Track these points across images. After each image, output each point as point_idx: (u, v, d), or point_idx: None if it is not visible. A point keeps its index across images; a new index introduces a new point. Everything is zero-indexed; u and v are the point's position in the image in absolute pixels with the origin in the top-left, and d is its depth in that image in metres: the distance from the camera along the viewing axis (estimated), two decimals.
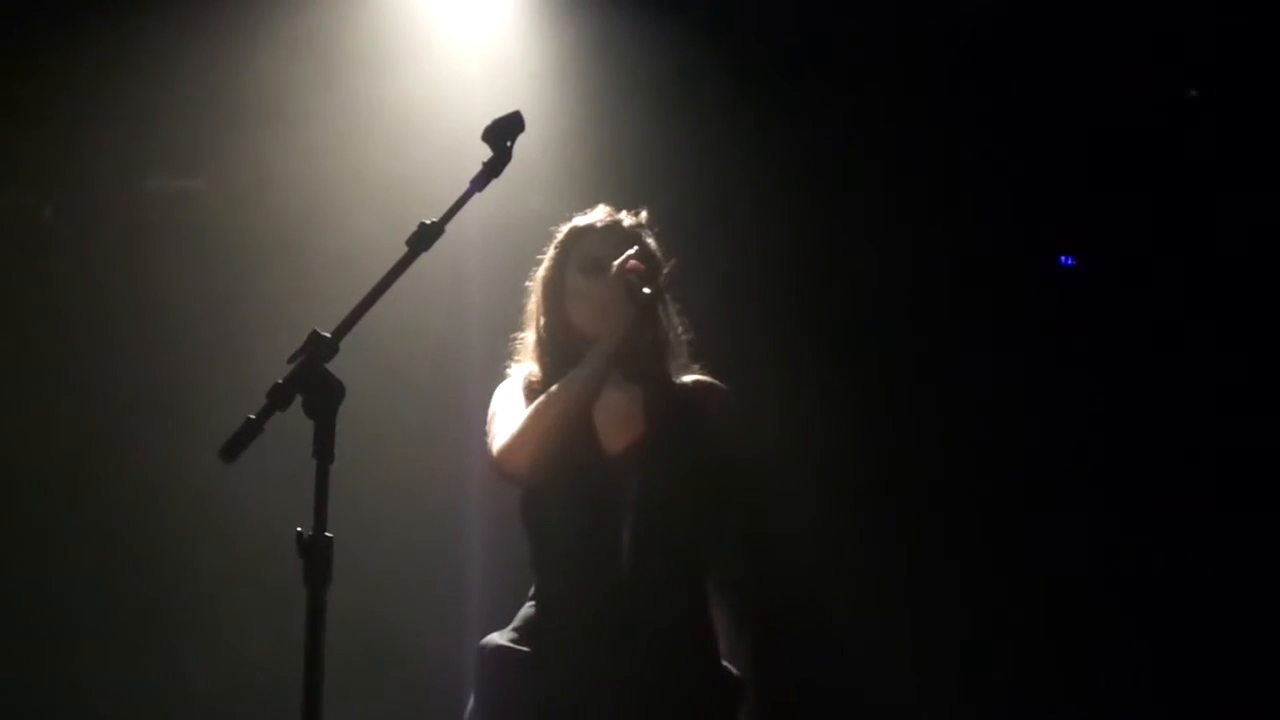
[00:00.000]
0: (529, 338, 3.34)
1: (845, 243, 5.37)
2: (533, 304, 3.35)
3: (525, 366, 3.33)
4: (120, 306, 5.27)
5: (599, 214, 3.34)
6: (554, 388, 3.11)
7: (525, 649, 3.12)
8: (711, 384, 3.29)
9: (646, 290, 3.09)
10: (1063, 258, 5.60)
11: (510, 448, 3.11)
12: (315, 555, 2.43)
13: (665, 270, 3.27)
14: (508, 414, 3.19)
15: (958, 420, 5.33)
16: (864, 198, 5.37)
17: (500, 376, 3.40)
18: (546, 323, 3.30)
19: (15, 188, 5.42)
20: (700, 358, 3.33)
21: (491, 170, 2.80)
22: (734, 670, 3.17)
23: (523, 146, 2.83)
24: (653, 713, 3.02)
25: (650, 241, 3.30)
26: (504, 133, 2.81)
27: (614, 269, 3.13)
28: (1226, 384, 5.29)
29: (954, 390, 5.33)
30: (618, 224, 3.31)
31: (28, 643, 5.20)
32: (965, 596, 5.22)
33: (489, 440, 3.20)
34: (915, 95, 5.31)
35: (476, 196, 2.79)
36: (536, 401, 3.12)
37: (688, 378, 3.28)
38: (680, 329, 3.31)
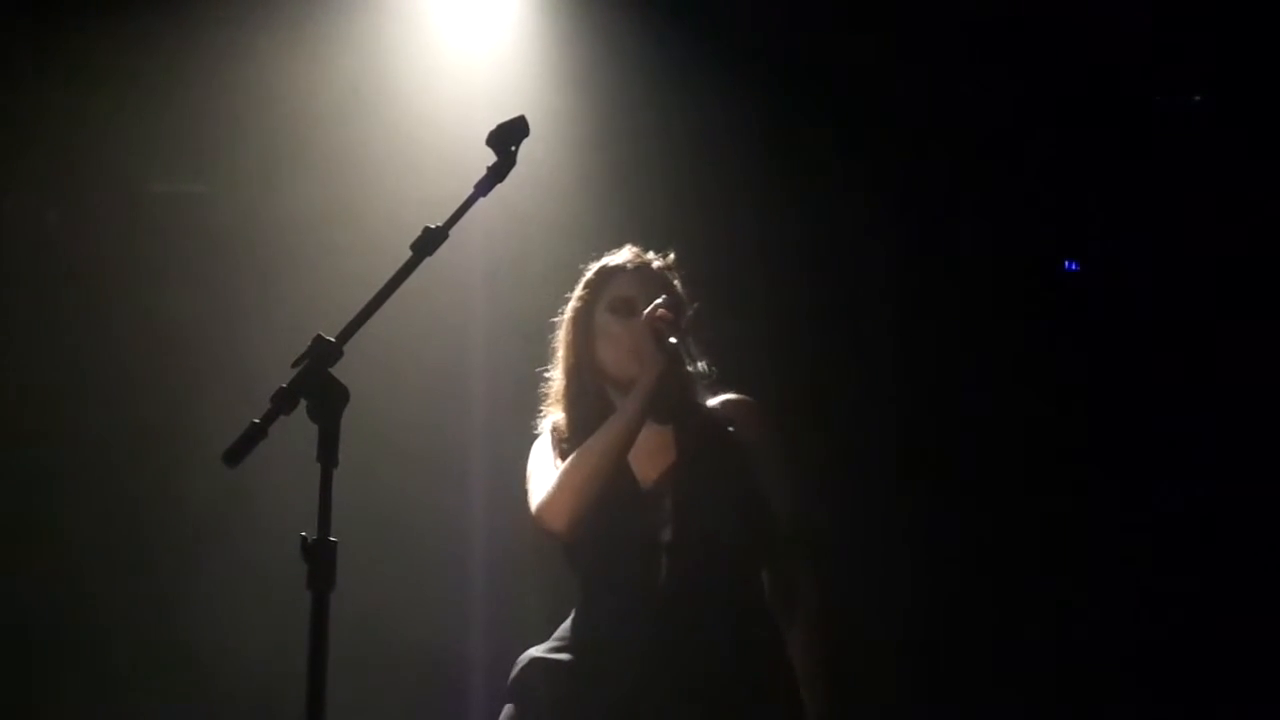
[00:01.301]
0: (556, 379, 3.36)
1: (846, 247, 5.37)
2: (561, 343, 3.36)
3: (552, 420, 3.34)
4: (123, 311, 5.27)
5: (627, 254, 3.36)
6: (587, 442, 3.14)
7: (565, 657, 3.14)
8: (739, 400, 3.32)
9: (673, 340, 3.12)
10: (1067, 263, 5.60)
11: (547, 505, 3.14)
12: (319, 559, 2.43)
13: (689, 312, 3.30)
14: (543, 471, 3.21)
15: (961, 425, 5.34)
16: (866, 202, 5.37)
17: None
18: (575, 362, 3.32)
19: (18, 192, 5.42)
20: (723, 385, 3.35)
21: (496, 175, 2.80)
22: (795, 679, 3.15)
23: (528, 151, 2.83)
24: None
25: (676, 284, 3.34)
26: (508, 137, 2.81)
27: (644, 317, 3.16)
28: (1228, 386, 5.29)
29: (956, 394, 5.33)
30: (646, 265, 3.33)
31: (33, 645, 5.20)
32: (966, 594, 5.23)
33: (529, 498, 3.22)
34: (917, 99, 5.31)
35: (481, 201, 2.79)
36: (571, 457, 3.14)
37: (715, 400, 3.30)
38: (703, 364, 3.31)
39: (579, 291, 3.35)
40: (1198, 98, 5.44)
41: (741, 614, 3.14)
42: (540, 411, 3.38)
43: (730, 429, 3.24)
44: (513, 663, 3.24)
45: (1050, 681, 5.17)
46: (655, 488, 3.18)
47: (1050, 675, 5.18)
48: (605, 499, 3.11)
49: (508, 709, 3.19)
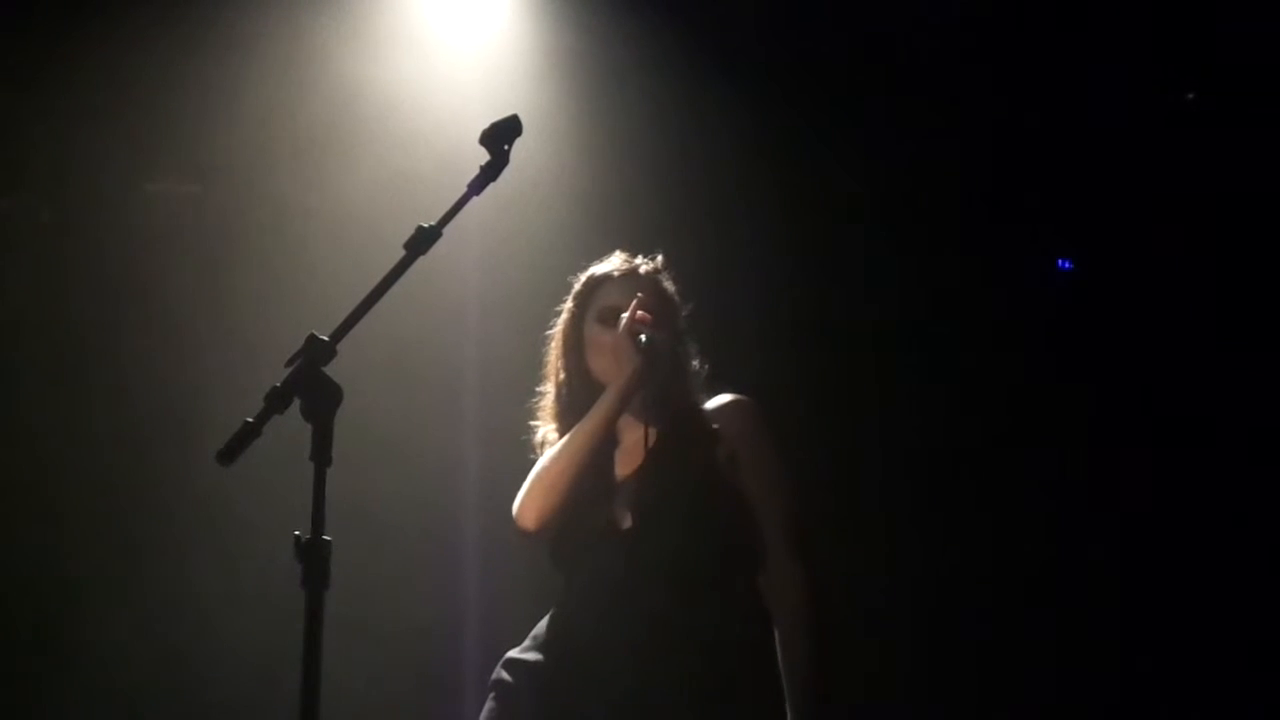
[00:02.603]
0: (548, 393, 3.35)
1: (844, 245, 5.38)
2: (552, 356, 3.35)
3: (544, 432, 3.33)
4: (118, 309, 5.27)
5: (615, 262, 3.34)
6: (561, 441, 3.16)
7: (536, 657, 3.14)
8: (732, 398, 3.28)
9: (643, 337, 3.12)
10: (1060, 261, 5.61)
11: (519, 504, 3.18)
12: (313, 559, 2.42)
13: (684, 312, 3.30)
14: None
15: (958, 423, 5.34)
16: (859, 204, 5.38)
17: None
18: (567, 375, 3.30)
19: (14, 190, 5.41)
20: (720, 383, 3.32)
21: (489, 174, 2.79)
22: (771, 677, 3.12)
23: (521, 150, 2.83)
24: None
25: (668, 286, 3.32)
26: (502, 136, 2.80)
27: (622, 321, 3.15)
28: (1228, 385, 5.29)
29: (954, 393, 5.34)
30: (634, 271, 3.31)
31: (29, 642, 5.20)
32: (966, 594, 5.24)
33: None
34: (914, 98, 5.31)
35: (474, 200, 2.78)
36: (545, 455, 3.18)
37: (713, 399, 3.28)
38: (698, 362, 3.31)
39: (568, 304, 3.34)
40: (1191, 95, 5.45)
41: (705, 607, 3.08)
42: (533, 426, 3.37)
43: (714, 426, 3.21)
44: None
45: (1045, 682, 5.18)
46: (624, 481, 3.18)
47: (1046, 675, 5.19)
48: (579, 494, 3.12)
49: (488, 704, 3.19)
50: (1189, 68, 5.36)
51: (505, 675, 3.17)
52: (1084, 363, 5.37)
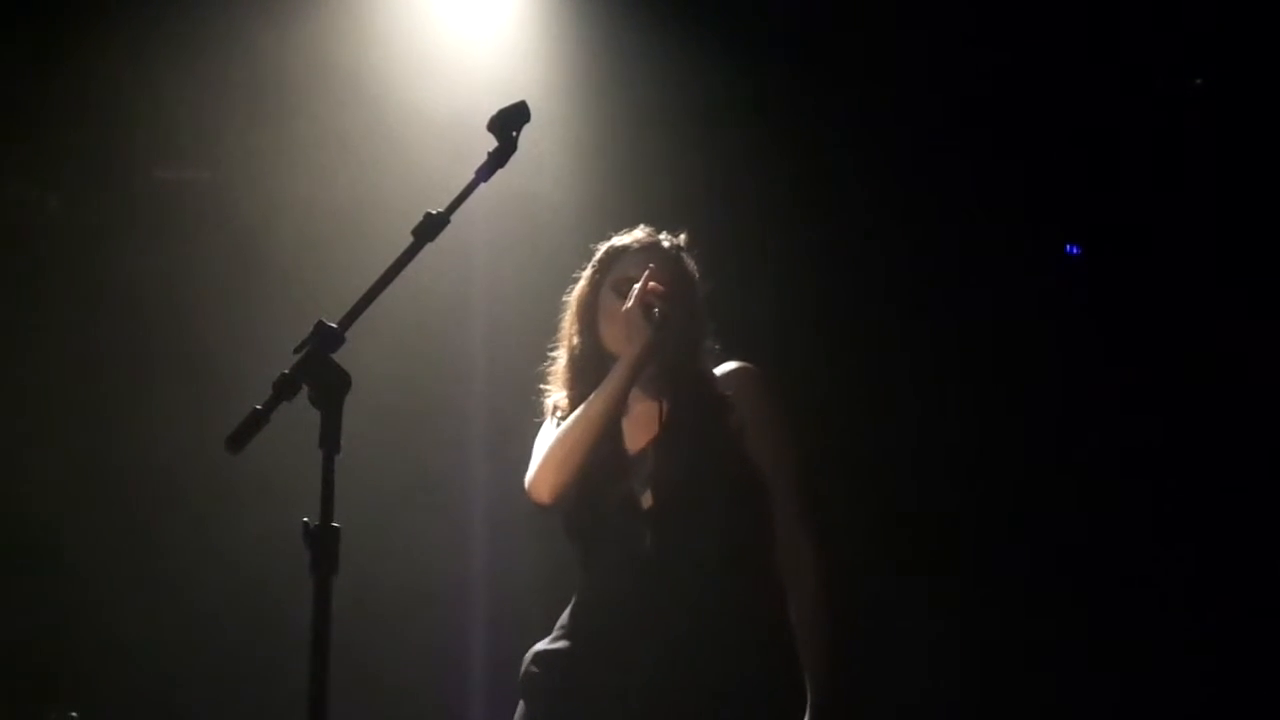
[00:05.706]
0: (560, 358, 3.35)
1: (848, 234, 5.38)
2: (567, 322, 3.35)
3: (554, 400, 3.33)
4: (126, 297, 5.27)
5: (637, 233, 3.34)
6: (573, 415, 3.15)
7: (564, 645, 3.14)
8: (740, 367, 3.28)
9: (657, 310, 3.12)
10: (1068, 246, 5.61)
11: (533, 478, 3.18)
12: (322, 545, 2.43)
13: (703, 292, 3.29)
14: (539, 448, 3.23)
15: (961, 410, 5.34)
16: (869, 188, 5.38)
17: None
18: (580, 342, 3.30)
19: (21, 178, 5.42)
20: (732, 354, 3.32)
21: (497, 160, 2.79)
22: (786, 658, 3.11)
23: (529, 136, 2.82)
24: (678, 700, 3.01)
25: (688, 262, 3.32)
26: (509, 123, 2.80)
27: (633, 292, 3.15)
28: (1228, 377, 5.29)
29: (957, 380, 5.34)
30: (655, 244, 3.31)
31: (33, 637, 5.21)
32: (964, 592, 5.24)
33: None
34: (920, 90, 5.31)
35: (482, 186, 2.78)
36: (558, 430, 3.17)
37: (720, 368, 3.28)
38: (712, 340, 3.31)
39: (587, 271, 3.34)
40: (1199, 81, 5.44)
41: (727, 580, 3.08)
42: (544, 391, 3.37)
43: (726, 393, 3.20)
44: (514, 651, 3.24)
45: (1051, 674, 5.19)
46: (639, 455, 3.18)
47: (1050, 668, 5.20)
48: (592, 468, 3.12)
49: (520, 707, 3.19)
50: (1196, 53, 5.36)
51: (534, 669, 3.17)
52: (1094, 352, 5.36)
